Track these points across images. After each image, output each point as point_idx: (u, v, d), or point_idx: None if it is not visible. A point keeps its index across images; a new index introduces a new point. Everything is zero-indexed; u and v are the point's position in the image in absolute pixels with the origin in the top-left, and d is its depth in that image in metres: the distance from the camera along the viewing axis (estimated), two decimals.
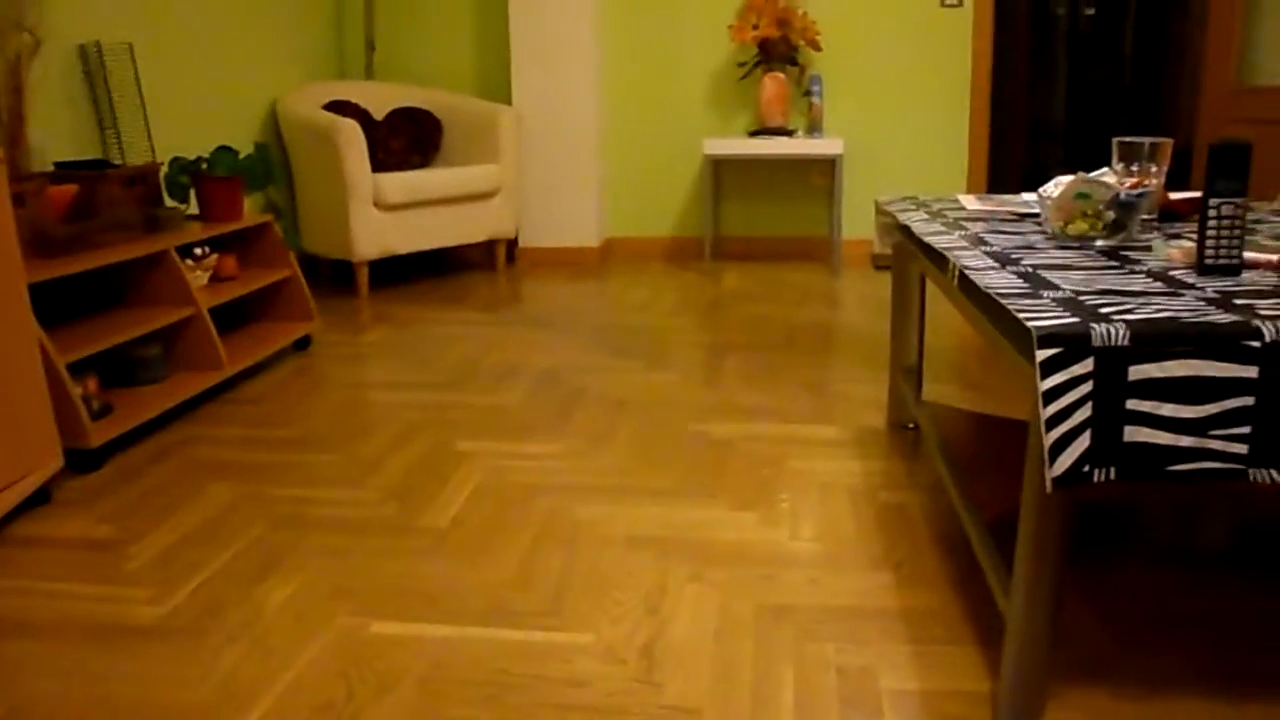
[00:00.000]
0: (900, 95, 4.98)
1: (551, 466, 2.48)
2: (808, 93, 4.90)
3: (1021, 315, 1.27)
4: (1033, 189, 2.50)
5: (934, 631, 1.70)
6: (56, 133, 3.17)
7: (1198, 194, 2.02)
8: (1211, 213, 1.49)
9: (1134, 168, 1.95)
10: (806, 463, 2.46)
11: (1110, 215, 1.78)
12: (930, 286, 4.01)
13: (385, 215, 4.35)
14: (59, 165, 3.05)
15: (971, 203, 2.41)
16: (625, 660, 1.65)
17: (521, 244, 5.13)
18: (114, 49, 3.34)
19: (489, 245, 4.97)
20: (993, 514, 1.74)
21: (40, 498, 2.32)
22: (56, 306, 2.90)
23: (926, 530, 2.08)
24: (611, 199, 5.32)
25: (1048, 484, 1.23)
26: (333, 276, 4.85)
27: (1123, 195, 1.78)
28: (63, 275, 2.57)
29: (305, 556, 2.04)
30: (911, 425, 2.66)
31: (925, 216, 2.22)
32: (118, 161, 3.31)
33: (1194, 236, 1.84)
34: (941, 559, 1.95)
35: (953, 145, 5.00)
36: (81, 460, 2.51)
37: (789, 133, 4.83)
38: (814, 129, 4.86)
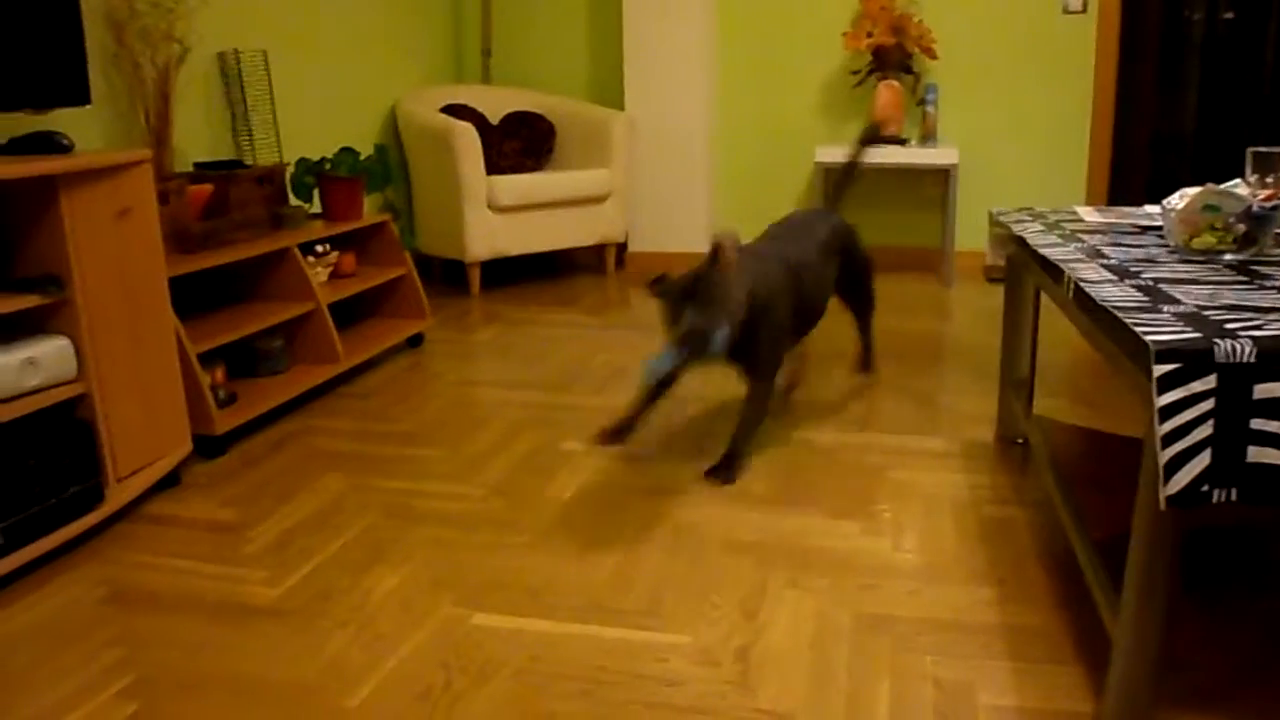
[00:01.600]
0: (1018, 104, 4.86)
1: (654, 470, 2.50)
2: (922, 101, 4.82)
3: (1139, 329, 1.24)
4: (1156, 202, 2.41)
5: (1036, 649, 1.67)
6: (195, 135, 3.34)
7: None
8: None
9: (1269, 179, 1.88)
10: (911, 474, 2.43)
11: (1241, 228, 1.72)
12: (1044, 299, 3.91)
13: (498, 217, 4.45)
14: (197, 165, 3.21)
15: (1090, 215, 2.34)
16: (720, 663, 1.66)
17: (631, 248, 5.17)
18: (250, 56, 3.50)
19: (599, 249, 5.03)
20: (1103, 532, 1.69)
21: (170, 480, 2.45)
22: (188, 299, 3.05)
23: (1032, 547, 2.03)
24: (722, 205, 5.33)
25: (1161, 502, 1.19)
26: (445, 276, 4.97)
27: (1255, 207, 1.71)
28: (198, 270, 2.71)
29: (412, 547, 2.10)
30: (1020, 440, 2.61)
31: (1041, 228, 2.18)
32: (249, 162, 3.46)
33: None
34: (1047, 576, 1.91)
35: (1072, 156, 4.86)
36: (207, 446, 2.63)
37: (902, 141, 4.77)
38: (928, 138, 4.79)
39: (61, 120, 2.67)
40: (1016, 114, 4.87)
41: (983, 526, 2.14)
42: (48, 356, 2.06)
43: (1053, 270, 1.74)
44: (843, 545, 2.07)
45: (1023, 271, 2.48)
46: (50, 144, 2.18)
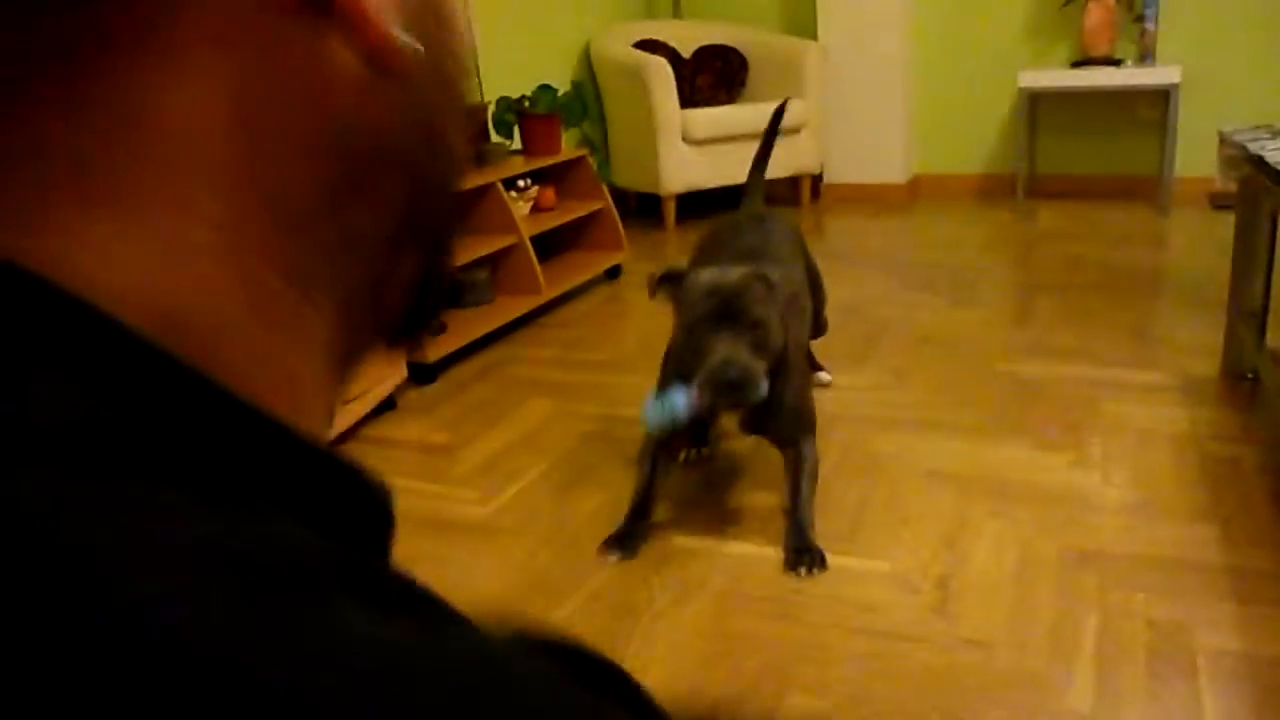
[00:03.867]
0: (1252, 13, 4.42)
1: (852, 398, 2.48)
2: (1139, 18, 4.46)
3: None
4: None
5: (1266, 592, 1.57)
6: None
7: None
8: None
9: None
10: (1124, 407, 2.31)
11: None
12: None
13: (692, 150, 4.45)
14: None
15: None
16: (920, 590, 1.64)
17: (826, 180, 5.08)
18: None
19: (794, 180, 4.96)
20: None
21: (387, 405, 2.61)
22: None
23: (1263, 487, 1.91)
24: (919, 134, 5.14)
25: None
26: (640, 209, 5.02)
27: None
28: None
29: (613, 470, 2.17)
30: (1250, 375, 2.43)
31: None
32: None
33: None
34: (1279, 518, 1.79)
35: None
36: (420, 373, 2.79)
37: (1116, 62, 4.45)
38: (1145, 57, 4.44)
39: None
40: (1250, 24, 4.43)
41: (1205, 463, 2.02)
42: None
43: None
44: (1049, 478, 2.00)
45: (1259, 194, 2.29)
46: None
